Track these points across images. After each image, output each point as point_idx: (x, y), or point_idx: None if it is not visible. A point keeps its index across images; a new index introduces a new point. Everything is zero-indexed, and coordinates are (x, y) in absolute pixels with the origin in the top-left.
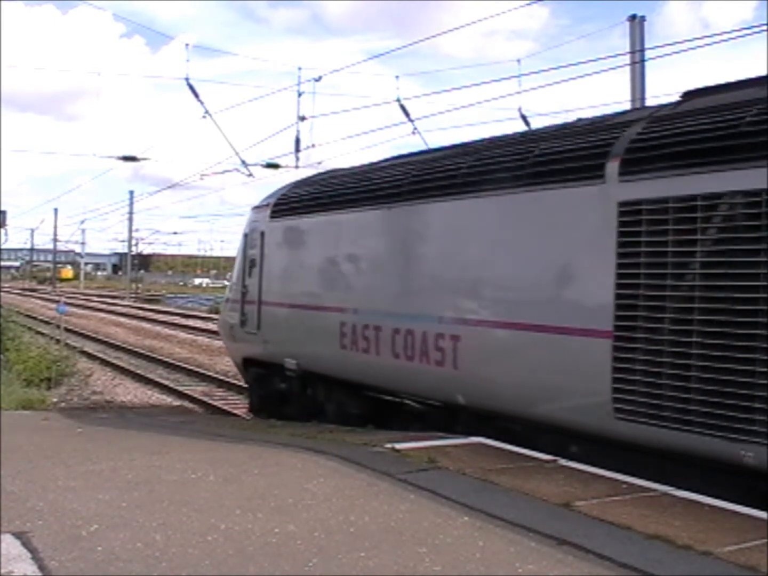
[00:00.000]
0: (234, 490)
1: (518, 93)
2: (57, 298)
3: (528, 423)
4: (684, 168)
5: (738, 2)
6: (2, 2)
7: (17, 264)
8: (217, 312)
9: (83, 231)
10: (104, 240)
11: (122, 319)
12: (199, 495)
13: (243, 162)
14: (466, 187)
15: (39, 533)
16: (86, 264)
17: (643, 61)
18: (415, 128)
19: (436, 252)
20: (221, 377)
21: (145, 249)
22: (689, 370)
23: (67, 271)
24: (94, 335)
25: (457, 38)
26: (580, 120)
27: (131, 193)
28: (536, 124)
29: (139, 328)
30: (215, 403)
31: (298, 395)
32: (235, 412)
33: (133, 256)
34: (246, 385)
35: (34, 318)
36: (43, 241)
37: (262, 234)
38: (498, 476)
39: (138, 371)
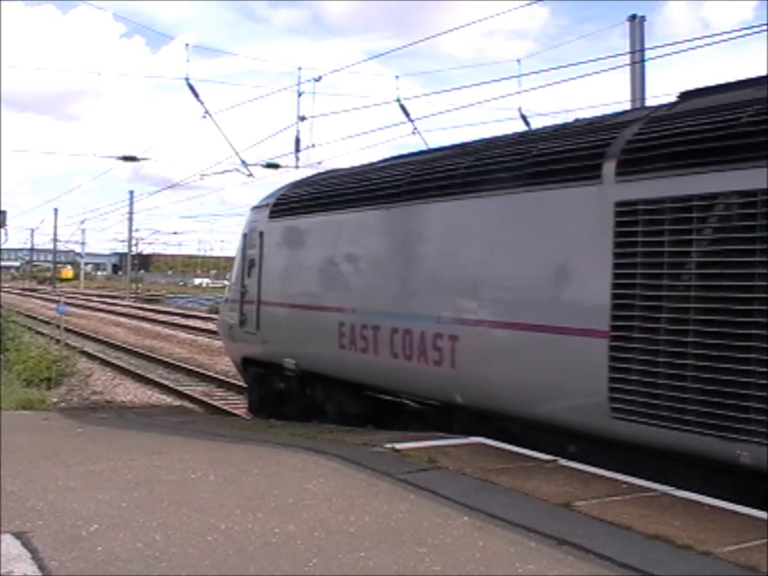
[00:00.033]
0: (234, 490)
1: (518, 93)
2: (57, 298)
3: (525, 422)
4: (680, 168)
5: (738, 2)
6: (2, 2)
7: (17, 264)
8: (217, 312)
9: (83, 231)
10: (104, 240)
11: (122, 319)
12: (199, 495)
13: (243, 162)
14: (465, 187)
15: (39, 533)
16: (86, 264)
17: (643, 61)
18: (415, 128)
19: (434, 252)
20: (221, 377)
21: (145, 249)
22: (685, 369)
23: (67, 271)
24: (94, 335)
25: (457, 38)
26: (577, 120)
27: (131, 193)
28: (536, 124)
29: (139, 328)
30: (215, 403)
31: (297, 395)
32: (235, 412)
33: (133, 256)
34: (245, 385)
35: (34, 318)
36: (43, 241)
37: (261, 234)
38: (498, 476)
39: (138, 371)
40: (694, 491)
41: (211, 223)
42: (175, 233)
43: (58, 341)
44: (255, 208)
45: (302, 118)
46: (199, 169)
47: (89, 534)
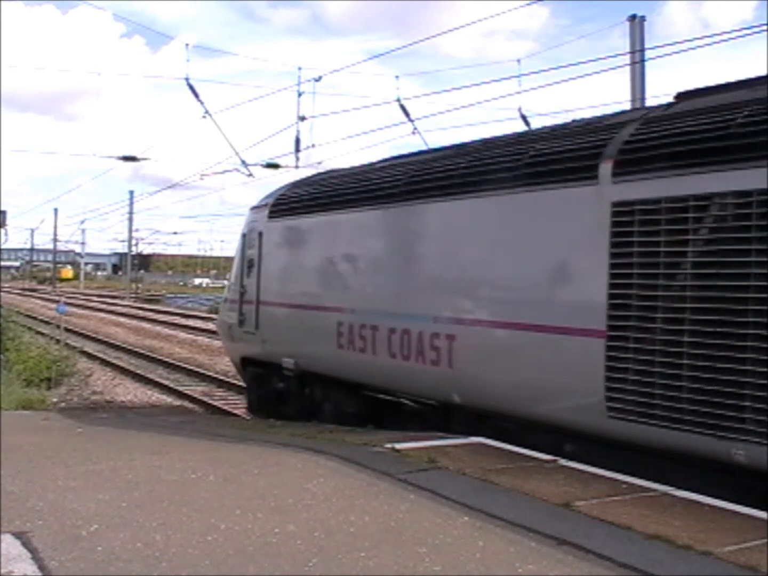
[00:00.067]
0: (234, 490)
1: (518, 93)
2: (57, 298)
3: (522, 422)
4: (676, 169)
5: (738, 2)
6: (2, 2)
7: (17, 264)
8: (216, 312)
9: (83, 231)
10: (104, 240)
11: (122, 319)
12: (199, 495)
13: (243, 162)
14: (463, 188)
15: (39, 533)
16: (86, 264)
17: (643, 61)
18: (415, 128)
19: (432, 252)
20: (221, 377)
21: (145, 249)
22: (681, 369)
23: (67, 271)
24: (94, 335)
25: (457, 38)
26: (575, 121)
27: (131, 193)
28: (536, 124)
29: (139, 328)
30: (215, 403)
31: (296, 395)
32: (235, 412)
33: (133, 256)
34: (245, 385)
35: (34, 318)
36: (43, 241)
37: (260, 234)
38: (498, 476)
39: (138, 371)
40: (694, 491)
41: (211, 223)
42: (175, 233)
43: (58, 341)
44: (254, 208)
45: (302, 118)
46: (199, 169)
47: (89, 534)
